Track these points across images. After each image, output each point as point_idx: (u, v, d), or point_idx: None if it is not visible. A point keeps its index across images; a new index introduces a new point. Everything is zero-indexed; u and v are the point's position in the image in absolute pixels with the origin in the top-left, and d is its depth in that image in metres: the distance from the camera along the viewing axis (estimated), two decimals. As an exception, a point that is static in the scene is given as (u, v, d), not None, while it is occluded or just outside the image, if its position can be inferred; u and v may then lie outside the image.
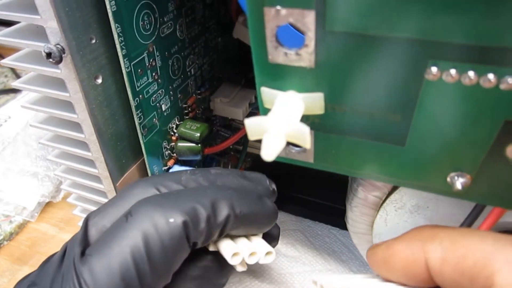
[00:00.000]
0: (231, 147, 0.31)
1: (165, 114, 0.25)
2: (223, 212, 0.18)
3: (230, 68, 0.33)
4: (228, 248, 0.19)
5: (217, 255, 0.20)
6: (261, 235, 0.21)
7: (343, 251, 0.32)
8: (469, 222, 0.18)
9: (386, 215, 0.23)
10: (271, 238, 0.23)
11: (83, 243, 0.18)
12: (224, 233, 0.19)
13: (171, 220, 0.17)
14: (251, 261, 0.20)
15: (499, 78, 0.11)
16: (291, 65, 0.13)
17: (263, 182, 0.22)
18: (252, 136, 0.13)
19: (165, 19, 0.23)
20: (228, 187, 0.20)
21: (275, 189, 0.23)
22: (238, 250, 0.19)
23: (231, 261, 0.19)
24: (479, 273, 0.12)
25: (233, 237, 0.20)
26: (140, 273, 0.16)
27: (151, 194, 0.19)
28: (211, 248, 0.20)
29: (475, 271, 0.13)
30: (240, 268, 0.20)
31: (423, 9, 0.10)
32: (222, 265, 0.21)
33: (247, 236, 0.21)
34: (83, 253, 0.17)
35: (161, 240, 0.17)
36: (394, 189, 0.23)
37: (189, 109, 0.27)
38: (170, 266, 0.17)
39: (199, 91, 0.28)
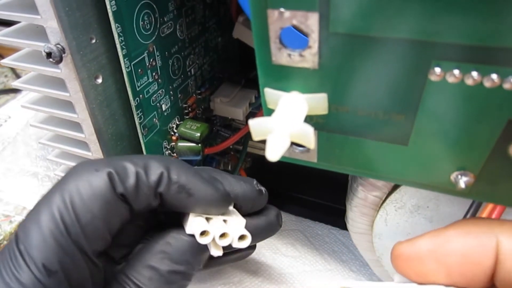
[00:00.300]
0: (231, 147, 0.31)
1: (165, 114, 0.25)
2: (156, 171, 0.18)
3: (230, 68, 0.33)
4: (198, 226, 0.19)
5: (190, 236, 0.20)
6: (242, 220, 0.20)
7: (343, 251, 0.32)
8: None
9: (386, 215, 0.23)
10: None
11: None
12: (162, 198, 0.18)
13: (96, 169, 0.17)
14: (223, 243, 0.19)
15: (503, 78, 0.11)
16: (294, 66, 0.13)
17: (250, 181, 0.22)
18: (256, 137, 0.13)
19: (165, 19, 0.23)
20: (174, 159, 0.20)
21: (263, 190, 0.23)
22: (207, 229, 0.19)
23: (199, 240, 0.19)
24: None
25: (208, 219, 0.20)
26: (66, 224, 0.16)
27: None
28: (188, 231, 0.19)
29: None
30: (214, 252, 0.20)
31: (425, 11, 0.11)
32: (191, 246, 0.20)
33: (225, 221, 0.20)
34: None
35: (85, 189, 0.17)
36: (394, 189, 0.23)
37: (189, 109, 0.27)
38: (101, 221, 0.17)
39: (199, 91, 0.28)
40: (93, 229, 0.17)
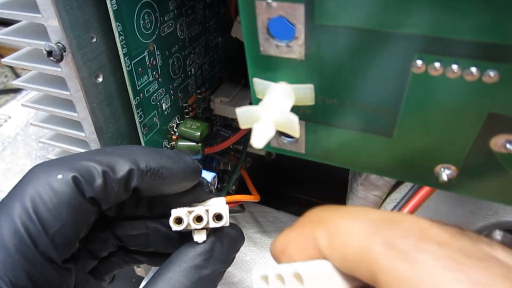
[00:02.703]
0: (231, 146, 0.31)
1: (165, 113, 0.25)
2: (123, 166, 0.17)
3: (230, 68, 0.33)
4: (174, 215, 0.18)
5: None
6: (223, 199, 0.20)
7: (343, 251, 0.32)
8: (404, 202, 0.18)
9: (386, 214, 0.23)
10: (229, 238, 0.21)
11: None
12: (136, 189, 0.17)
13: (59, 176, 0.16)
14: (198, 225, 0.19)
15: (482, 71, 0.11)
16: (282, 57, 0.14)
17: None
18: (243, 125, 0.13)
19: (166, 18, 0.23)
20: (133, 145, 0.19)
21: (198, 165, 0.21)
22: (179, 214, 0.18)
23: (173, 226, 0.18)
24: (361, 260, 0.12)
25: (190, 211, 0.19)
26: (32, 237, 0.15)
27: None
28: (173, 228, 0.19)
29: (358, 258, 0.12)
30: (197, 238, 0.19)
31: (407, 4, 0.11)
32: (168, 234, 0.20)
33: (207, 210, 0.19)
34: None
35: (50, 197, 0.15)
36: (394, 188, 0.23)
37: (190, 108, 0.27)
38: (70, 230, 0.16)
39: (199, 91, 0.28)
40: (62, 237, 0.16)
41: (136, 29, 0.20)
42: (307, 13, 0.12)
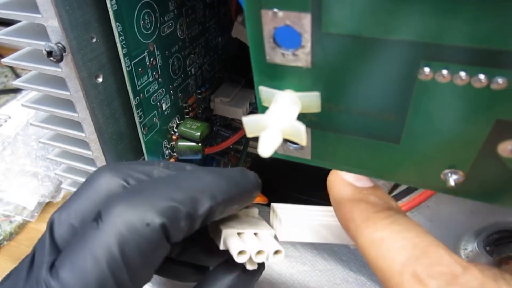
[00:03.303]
0: (231, 146, 0.31)
1: (165, 113, 0.25)
2: (205, 205, 0.17)
3: (230, 68, 0.33)
4: (234, 246, 0.19)
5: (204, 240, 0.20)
6: (271, 232, 0.21)
7: (343, 251, 0.32)
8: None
9: (386, 214, 0.23)
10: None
11: (52, 252, 0.16)
12: (208, 222, 0.18)
13: (148, 222, 0.15)
14: (259, 259, 0.19)
15: (490, 78, 0.11)
16: (288, 65, 0.14)
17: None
18: (250, 133, 0.13)
19: (166, 18, 0.23)
20: (203, 172, 0.18)
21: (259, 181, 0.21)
22: (244, 248, 0.19)
23: (237, 259, 0.19)
24: (389, 279, 0.13)
25: (240, 233, 0.20)
26: (119, 283, 0.15)
27: (118, 186, 0.18)
28: (221, 247, 0.20)
29: (386, 275, 0.13)
30: (250, 266, 0.20)
31: (415, 13, 0.11)
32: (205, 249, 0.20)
33: (256, 233, 0.21)
34: (52, 265, 0.15)
35: (139, 246, 0.15)
36: (394, 188, 0.23)
37: (190, 108, 0.27)
38: (151, 269, 0.17)
39: (199, 91, 0.28)
40: (145, 279, 0.16)
41: (136, 29, 0.20)
42: (314, 22, 0.12)
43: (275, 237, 0.21)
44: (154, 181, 0.18)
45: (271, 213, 0.21)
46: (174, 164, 0.20)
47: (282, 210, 0.20)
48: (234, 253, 0.19)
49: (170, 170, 0.19)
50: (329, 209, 0.20)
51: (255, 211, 0.23)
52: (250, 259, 0.19)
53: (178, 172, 0.19)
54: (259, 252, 0.19)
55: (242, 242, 0.20)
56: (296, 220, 0.20)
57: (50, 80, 0.21)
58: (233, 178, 0.19)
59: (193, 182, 0.17)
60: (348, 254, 0.32)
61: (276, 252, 0.20)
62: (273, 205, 0.21)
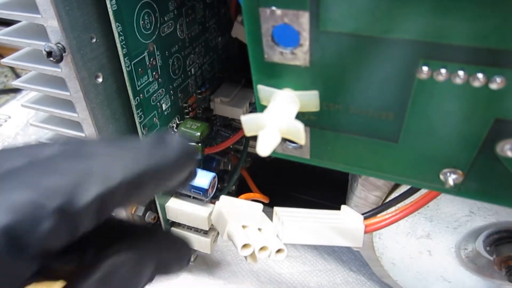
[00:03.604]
0: (231, 146, 0.31)
1: (165, 113, 0.25)
2: (89, 193, 0.11)
3: (230, 68, 0.33)
4: (239, 238, 0.19)
5: None
6: (275, 230, 0.21)
7: (343, 251, 0.32)
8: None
9: (387, 214, 0.23)
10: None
11: None
12: (114, 208, 0.12)
13: None
14: (261, 255, 0.19)
15: (488, 77, 0.11)
16: (286, 64, 0.14)
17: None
18: (248, 132, 0.13)
19: (166, 19, 0.23)
20: (100, 146, 0.13)
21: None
22: (249, 242, 0.19)
23: (241, 252, 0.19)
24: None
25: (244, 226, 0.20)
26: None
27: None
28: (224, 237, 0.20)
29: None
30: (250, 261, 0.20)
31: (413, 12, 0.11)
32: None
33: (259, 229, 0.20)
34: None
35: None
36: (394, 188, 0.23)
37: (190, 108, 0.27)
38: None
39: (199, 91, 0.28)
40: None
41: (136, 30, 0.20)
42: (312, 20, 0.12)
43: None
44: (28, 165, 0.12)
45: (274, 216, 0.21)
46: (77, 140, 0.15)
47: (284, 213, 0.20)
48: (238, 245, 0.19)
49: (67, 147, 0.13)
50: (331, 212, 0.20)
51: (259, 206, 0.23)
52: (252, 254, 0.19)
53: (73, 148, 0.13)
54: (262, 248, 0.19)
55: (246, 236, 0.19)
56: (299, 224, 0.20)
57: (50, 80, 0.21)
58: (142, 148, 0.13)
59: (79, 161, 0.12)
60: (348, 254, 0.32)
61: (279, 250, 0.20)
62: (276, 209, 0.21)
